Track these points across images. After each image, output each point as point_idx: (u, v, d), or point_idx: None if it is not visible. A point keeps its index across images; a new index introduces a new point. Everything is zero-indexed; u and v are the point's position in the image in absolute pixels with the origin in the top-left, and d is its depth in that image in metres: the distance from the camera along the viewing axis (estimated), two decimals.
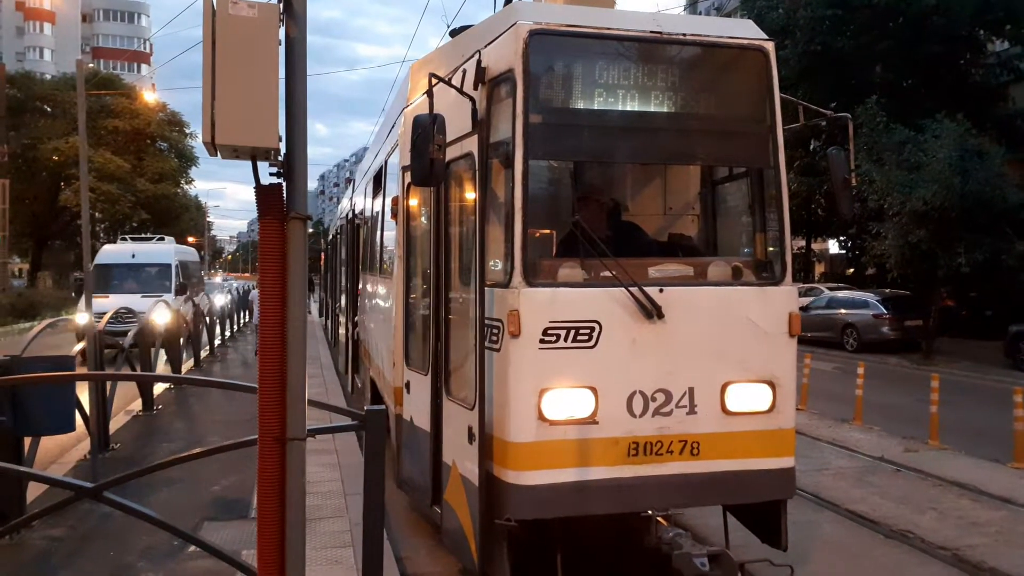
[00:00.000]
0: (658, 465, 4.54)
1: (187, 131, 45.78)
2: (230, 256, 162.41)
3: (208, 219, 77.64)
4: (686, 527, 5.15)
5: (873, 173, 18.47)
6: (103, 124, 39.41)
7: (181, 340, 14.22)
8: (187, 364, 14.86)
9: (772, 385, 4.77)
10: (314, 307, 32.02)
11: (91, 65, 68.76)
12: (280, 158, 2.60)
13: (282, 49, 2.50)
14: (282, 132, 2.53)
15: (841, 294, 23.72)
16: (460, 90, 4.69)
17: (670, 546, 4.61)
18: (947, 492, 7.58)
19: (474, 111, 4.63)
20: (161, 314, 12.27)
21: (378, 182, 8.70)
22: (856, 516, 6.87)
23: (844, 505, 7.12)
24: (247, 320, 27.35)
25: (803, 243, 33.88)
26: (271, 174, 2.65)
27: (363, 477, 3.22)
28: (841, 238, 30.59)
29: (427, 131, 4.12)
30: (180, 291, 18.39)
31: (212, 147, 2.51)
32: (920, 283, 20.61)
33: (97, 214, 37.97)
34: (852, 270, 33.75)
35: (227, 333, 22.05)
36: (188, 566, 5.24)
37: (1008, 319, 18.22)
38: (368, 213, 9.96)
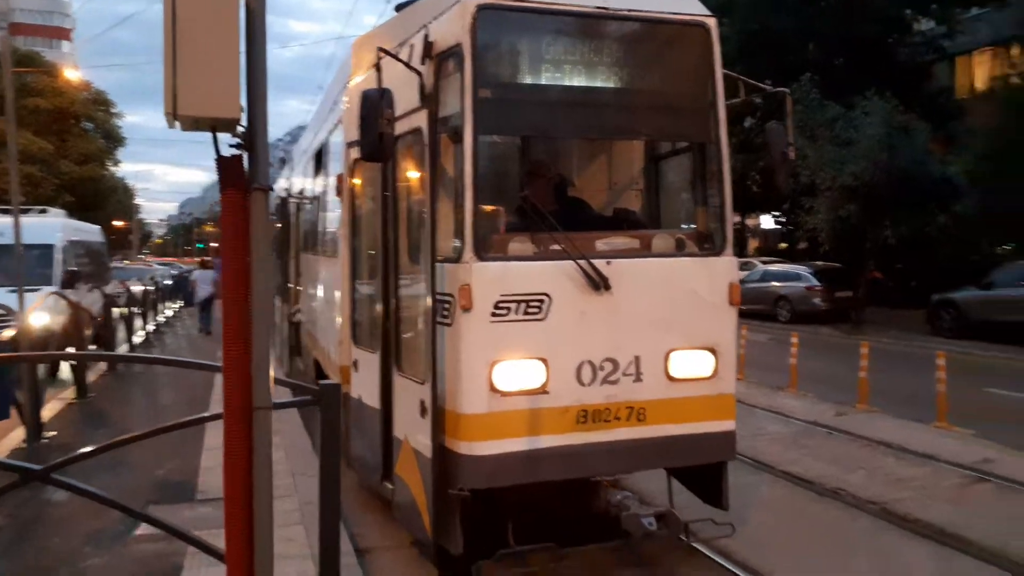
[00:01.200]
0: (606, 432, 4.68)
1: (113, 110, 44.20)
2: (159, 240, 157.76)
3: (136, 201, 75.30)
4: (632, 491, 5.31)
5: (806, 149, 19.01)
6: (24, 103, 37.72)
7: (90, 337, 12.99)
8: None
9: (714, 352, 4.96)
10: None
11: (10, 40, 65.80)
12: (241, 129, 2.60)
13: (242, 20, 2.50)
14: (243, 103, 2.53)
15: (775, 267, 24.40)
16: (408, 65, 4.69)
17: (618, 508, 4.78)
18: (875, 452, 7.96)
19: (422, 86, 4.65)
20: (40, 316, 10.69)
21: (319, 160, 8.60)
22: (791, 477, 7.17)
23: (780, 467, 7.43)
24: (181, 305, 26.76)
25: (738, 218, 34.68)
26: (231, 146, 2.66)
27: (319, 452, 3.26)
28: (774, 213, 31.41)
29: (376, 105, 4.13)
30: (69, 281, 13.57)
31: (173, 118, 2.50)
32: (850, 256, 21.33)
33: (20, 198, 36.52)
34: (785, 244, 34.69)
35: (159, 319, 21.33)
36: (135, 549, 5.19)
37: (931, 289, 19.03)
38: (308, 192, 9.83)
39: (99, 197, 44.08)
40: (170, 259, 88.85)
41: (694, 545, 5.37)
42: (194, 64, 2.44)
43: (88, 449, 3.51)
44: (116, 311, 15.40)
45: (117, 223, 67.15)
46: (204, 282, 19.23)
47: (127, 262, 45.78)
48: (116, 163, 47.25)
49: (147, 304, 18.98)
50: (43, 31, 74.15)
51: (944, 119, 24.09)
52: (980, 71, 27.77)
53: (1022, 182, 19.12)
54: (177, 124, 2.56)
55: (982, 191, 19.85)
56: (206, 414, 3.74)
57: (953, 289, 17.95)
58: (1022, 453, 7.73)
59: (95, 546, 5.26)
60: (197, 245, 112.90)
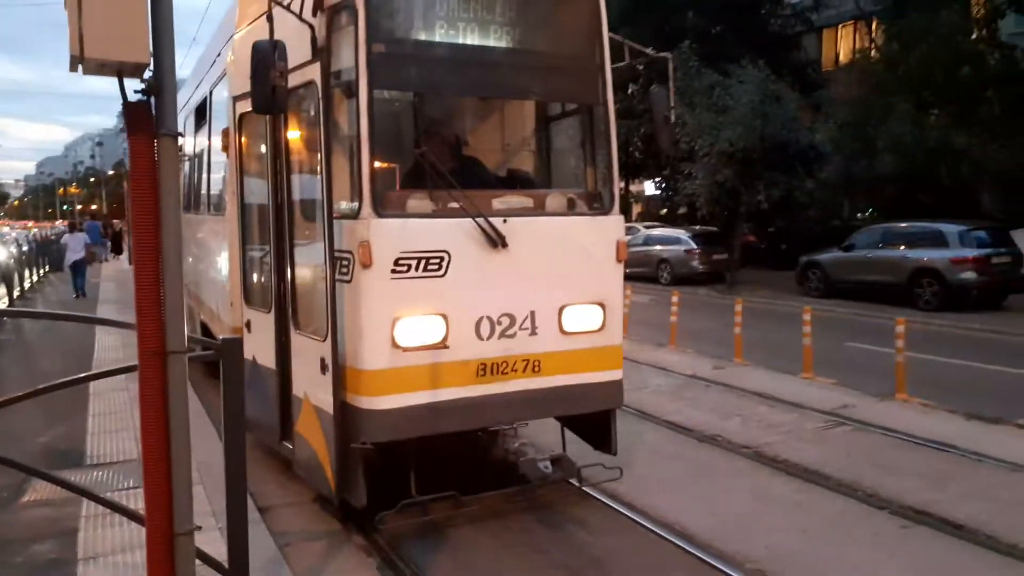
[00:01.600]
0: (504, 383, 4.88)
1: None
2: (16, 202, 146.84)
3: None
4: (528, 442, 5.54)
5: (685, 116, 19.69)
6: None
7: None
8: None
9: (603, 306, 5.21)
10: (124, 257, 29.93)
11: None
12: (148, 74, 2.54)
13: None
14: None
15: (656, 231, 25.23)
16: (299, 16, 4.61)
17: (516, 455, 5.01)
18: (749, 401, 8.55)
19: (314, 39, 4.60)
20: None
21: (201, 115, 8.26)
22: (673, 425, 7.63)
23: (662, 416, 7.88)
24: (46, 269, 25.18)
25: (622, 184, 35.57)
26: (137, 91, 2.59)
27: (222, 407, 3.25)
28: (656, 179, 32.40)
29: (268, 57, 4.05)
30: None
31: (79, 61, 2.42)
32: (726, 220, 22.34)
33: None
34: (666, 210, 35.90)
35: (24, 285, 19.99)
36: (25, 515, 5.04)
37: (800, 252, 20.23)
38: (188, 149, 9.45)
39: None
40: (27, 222, 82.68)
41: (585, 489, 5.64)
42: (100, 6, 2.38)
43: None
44: None
45: None
46: (75, 245, 18.43)
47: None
48: None
49: (8, 273, 17.50)
50: None
51: (812, 88, 25.46)
52: (844, 44, 29.46)
53: (876, 151, 20.60)
54: (80, 68, 2.48)
55: (844, 158, 21.21)
56: (121, 366, 3.66)
57: (819, 252, 19.15)
58: (876, 399, 8.47)
59: None
60: (63, 207, 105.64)
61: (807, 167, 20.08)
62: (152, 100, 2.58)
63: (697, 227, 24.83)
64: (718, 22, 26.45)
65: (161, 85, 2.55)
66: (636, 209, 42.67)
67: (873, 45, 23.47)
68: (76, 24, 2.36)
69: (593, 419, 5.54)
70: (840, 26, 29.76)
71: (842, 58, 28.29)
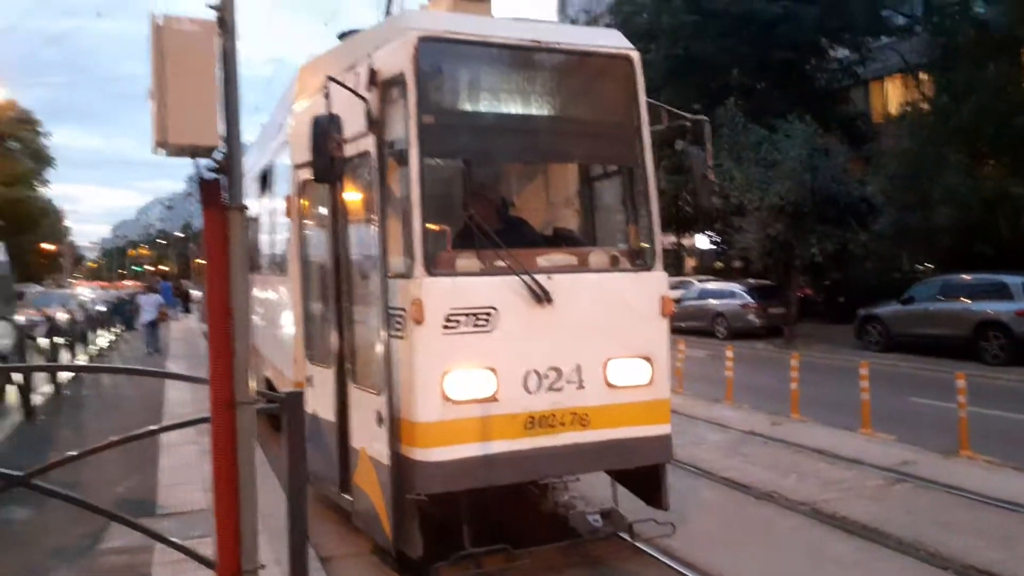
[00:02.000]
0: (553, 436, 4.95)
1: (40, 130, 42.92)
2: (92, 264, 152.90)
3: (66, 224, 73.07)
4: (579, 495, 5.58)
5: (734, 171, 19.78)
6: None
7: None
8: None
9: (649, 360, 5.29)
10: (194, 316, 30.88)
11: None
12: (219, 155, 2.85)
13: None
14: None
15: (711, 285, 25.13)
16: (355, 92, 4.94)
17: (566, 508, 5.04)
18: (807, 457, 8.40)
19: (368, 112, 4.92)
20: None
21: (264, 181, 8.69)
22: (729, 482, 7.55)
23: (718, 473, 7.80)
24: (122, 329, 26.10)
25: (674, 238, 35.56)
26: (209, 169, 2.90)
27: (286, 456, 3.42)
28: (708, 233, 32.37)
29: (326, 130, 4.37)
30: None
31: (162, 145, 2.75)
32: (780, 273, 22.16)
33: None
34: (721, 263, 35.74)
35: (94, 348, 20.71)
36: (102, 562, 5.30)
37: (858, 304, 19.90)
38: (252, 212, 9.90)
39: (29, 219, 42.61)
40: (102, 283, 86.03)
41: (637, 544, 5.62)
42: (179, 100, 2.72)
43: (72, 453, 3.64)
44: (41, 341, 14.19)
45: (47, 246, 64.97)
46: (149, 305, 19.72)
47: (40, 288, 42.71)
48: (45, 183, 45.72)
49: (74, 334, 16.91)
50: None
51: (861, 141, 25.35)
52: (892, 96, 29.31)
53: (931, 202, 20.30)
54: (162, 151, 2.80)
55: (897, 209, 20.95)
56: (195, 417, 3.93)
57: (878, 305, 18.82)
58: (939, 456, 8.26)
59: (61, 559, 5.36)
60: (133, 268, 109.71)
61: (860, 219, 19.88)
62: (222, 177, 2.88)
63: (752, 280, 24.66)
64: (763, 79, 26.68)
65: (230, 164, 2.87)
66: (690, 263, 42.50)
67: (923, 97, 23.30)
68: (159, 115, 2.70)
69: (644, 473, 5.55)
70: (888, 78, 29.66)
71: (892, 110, 28.11)
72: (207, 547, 4.47)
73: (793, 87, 26.08)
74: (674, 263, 38.62)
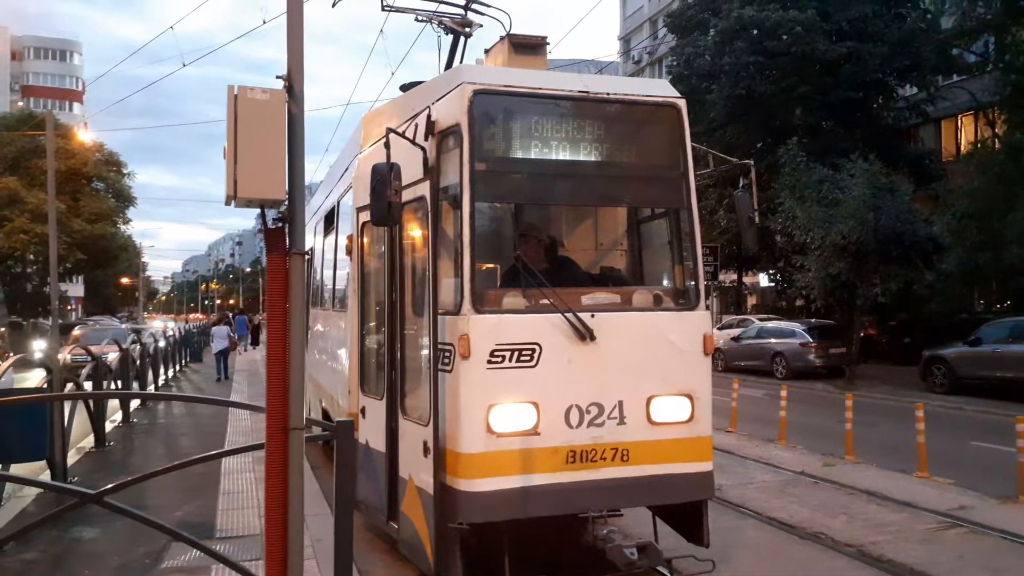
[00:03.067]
0: (593, 471, 5.10)
1: (125, 171, 45.13)
2: (163, 297, 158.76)
3: (143, 259, 76.30)
4: (619, 530, 5.67)
5: (796, 209, 19.68)
6: (37, 164, 38.80)
7: None
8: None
9: (691, 398, 5.40)
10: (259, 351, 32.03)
11: (20, 104, 67.36)
12: (283, 207, 3.22)
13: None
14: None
15: (770, 324, 24.80)
16: (413, 141, 5.30)
17: (604, 541, 5.15)
18: (858, 499, 8.32)
19: (425, 160, 5.25)
20: None
21: (329, 221, 9.09)
22: (775, 522, 7.53)
23: (765, 513, 7.78)
24: (186, 361, 27.14)
25: (735, 276, 35.25)
26: (274, 219, 3.26)
27: (335, 481, 3.70)
28: (770, 271, 32.02)
29: (385, 178, 4.66)
30: None
31: (233, 199, 3.14)
32: (842, 313, 21.79)
33: (30, 255, 37.17)
34: (784, 303, 35.28)
35: (168, 374, 21.64)
36: None
37: (924, 345, 19.43)
38: (317, 250, 10.37)
39: (109, 255, 44.75)
40: (172, 316, 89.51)
41: None
42: (250, 157, 3.10)
43: (144, 474, 4.00)
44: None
45: (124, 280, 68.00)
46: (220, 336, 21.25)
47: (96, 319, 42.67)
48: (127, 222, 47.99)
49: (126, 375, 14.49)
50: (55, 93, 76.13)
51: (929, 179, 24.88)
52: (965, 134, 28.73)
53: (1003, 241, 19.78)
54: (232, 203, 3.19)
55: (966, 249, 20.46)
56: (251, 444, 4.27)
57: (943, 346, 18.36)
58: (997, 501, 8.09)
59: None
60: (204, 302, 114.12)
61: (926, 259, 19.49)
62: (286, 227, 3.23)
63: (813, 320, 24.27)
64: (827, 117, 26.47)
65: (293, 216, 3.23)
66: (751, 301, 41.98)
67: (993, 135, 22.83)
68: (231, 172, 3.09)
69: (685, 509, 5.63)
70: (960, 116, 29.10)
71: (961, 148, 27.55)
72: (260, 569, 4.78)
73: (859, 126, 25.82)
74: (735, 301, 38.25)
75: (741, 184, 5.94)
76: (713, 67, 26.96)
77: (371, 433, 6.19)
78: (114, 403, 13.44)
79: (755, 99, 25.74)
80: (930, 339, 19.95)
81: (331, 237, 9.02)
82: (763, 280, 38.16)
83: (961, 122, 29.36)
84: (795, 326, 23.23)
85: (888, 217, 18.82)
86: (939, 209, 22.32)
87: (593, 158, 5.51)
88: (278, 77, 3.23)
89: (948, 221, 20.77)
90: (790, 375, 21.51)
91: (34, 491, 8.10)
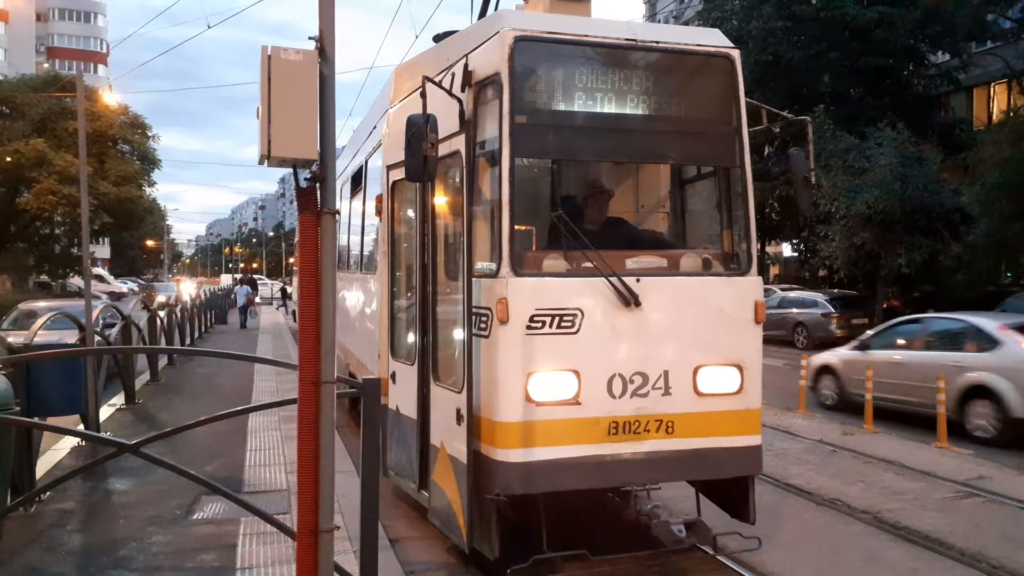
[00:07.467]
0: (636, 443, 4.87)
1: (149, 134, 45.23)
2: (188, 260, 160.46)
3: (167, 222, 76.95)
4: (662, 504, 5.57)
5: (821, 179, 19.49)
6: (64, 126, 38.99)
7: None
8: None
9: (740, 368, 5.16)
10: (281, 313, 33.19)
11: (46, 65, 67.60)
12: (315, 167, 3.33)
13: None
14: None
15: (792, 294, 24.67)
16: (449, 92, 4.96)
17: (648, 517, 5.02)
18: (875, 467, 8.39)
19: (462, 112, 4.93)
20: None
21: (357, 182, 8.88)
22: (792, 488, 7.60)
23: (783, 480, 7.84)
24: (211, 323, 27.74)
25: (759, 246, 34.98)
26: (306, 179, 3.36)
27: (360, 438, 3.81)
28: (794, 241, 31.79)
29: (421, 130, 4.36)
30: None
31: (267, 159, 3.25)
32: (866, 283, 21.66)
33: (58, 217, 37.52)
34: (807, 273, 35.06)
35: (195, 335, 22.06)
36: (192, 531, 5.86)
37: None
38: (344, 212, 10.30)
39: (136, 218, 45.07)
40: (199, 279, 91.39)
41: (720, 559, 5.50)
42: (283, 117, 3.21)
43: (177, 427, 4.16)
44: None
45: (150, 243, 68.74)
46: (242, 294, 29.68)
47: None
48: (152, 184, 48.16)
49: (154, 334, 14.60)
50: (80, 55, 76.27)
51: (959, 149, 24.50)
52: (997, 102, 28.15)
53: None
54: (266, 163, 3.29)
55: (994, 220, 20.20)
56: (284, 399, 4.41)
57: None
58: (1016, 471, 8.15)
59: (157, 527, 5.93)
60: (227, 265, 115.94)
61: (952, 230, 19.27)
62: (317, 186, 3.33)
63: (836, 290, 24.13)
64: (855, 85, 26.06)
65: (325, 175, 3.32)
66: (773, 271, 41.73)
67: None
68: (265, 131, 3.18)
69: (730, 484, 5.37)
70: (993, 84, 28.50)
71: (995, 117, 27.01)
72: (287, 522, 4.98)
73: (888, 93, 25.43)
74: (759, 270, 38.00)
75: (798, 143, 5.58)
76: (740, 32, 26.54)
77: (401, 399, 6.06)
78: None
79: (782, 65, 25.39)
80: (956, 311, 19.73)
81: (358, 200, 8.83)
82: (786, 250, 37.91)
83: (994, 90, 28.75)
84: (817, 296, 23.10)
85: (915, 187, 18.64)
86: (968, 179, 21.99)
87: (641, 111, 5.15)
88: (310, 38, 3.28)
89: (977, 191, 20.47)
90: (811, 345, 21.41)
91: (69, 444, 8.36)
